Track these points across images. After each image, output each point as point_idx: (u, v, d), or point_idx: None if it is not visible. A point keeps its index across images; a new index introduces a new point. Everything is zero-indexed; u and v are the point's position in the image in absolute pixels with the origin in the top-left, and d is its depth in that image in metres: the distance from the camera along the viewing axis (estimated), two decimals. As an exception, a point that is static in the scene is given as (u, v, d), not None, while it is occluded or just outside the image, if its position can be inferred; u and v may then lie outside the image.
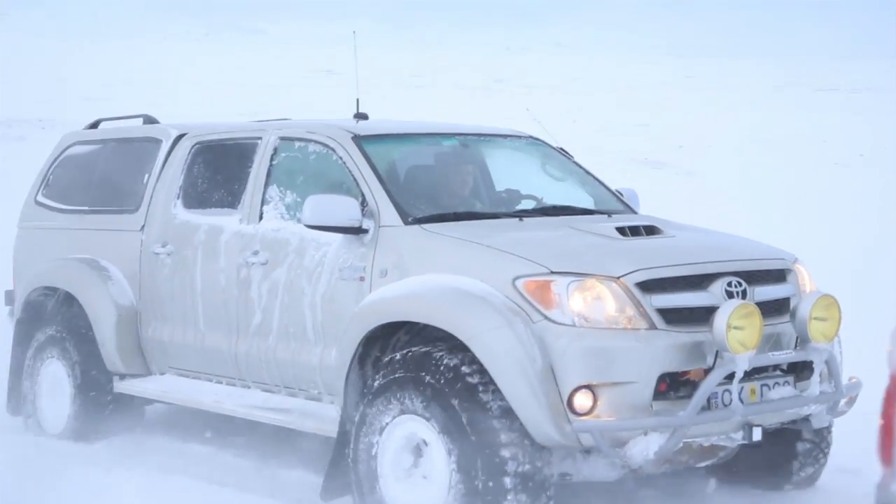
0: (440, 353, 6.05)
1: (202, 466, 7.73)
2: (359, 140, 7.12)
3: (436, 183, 7.30)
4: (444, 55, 39.35)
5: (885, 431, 2.19)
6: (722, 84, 34.01)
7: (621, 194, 7.70)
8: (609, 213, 7.20)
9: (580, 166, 7.85)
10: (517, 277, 5.95)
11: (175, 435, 8.47)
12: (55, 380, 8.57)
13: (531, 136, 8.00)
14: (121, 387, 8.22)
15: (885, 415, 2.21)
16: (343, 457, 6.44)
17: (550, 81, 34.29)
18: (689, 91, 33.14)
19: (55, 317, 8.65)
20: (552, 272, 5.90)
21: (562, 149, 7.93)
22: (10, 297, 9.30)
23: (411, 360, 6.13)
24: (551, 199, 7.41)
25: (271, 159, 7.48)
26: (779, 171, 22.67)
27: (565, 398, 5.73)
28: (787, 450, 6.76)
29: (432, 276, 6.24)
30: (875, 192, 20.21)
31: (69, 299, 8.59)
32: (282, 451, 7.86)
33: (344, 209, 6.63)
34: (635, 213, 7.51)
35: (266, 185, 7.43)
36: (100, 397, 8.32)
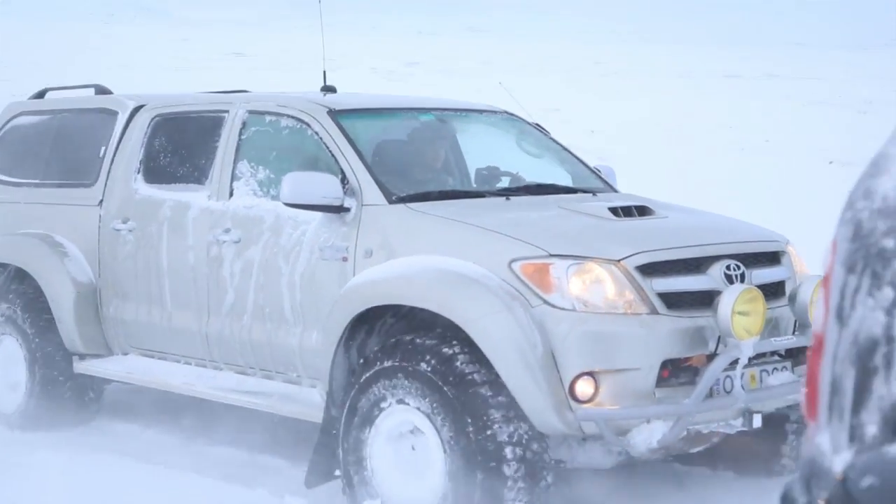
0: (434, 339, 5.59)
1: (128, 443, 7.34)
2: (335, 114, 6.64)
3: (416, 160, 6.84)
4: (356, 39, 38.65)
5: (810, 387, 2.18)
6: (631, 70, 33.82)
7: (599, 171, 7.30)
8: (593, 192, 6.80)
9: (557, 142, 7.44)
10: (514, 260, 5.54)
11: (100, 412, 8.00)
12: (9, 358, 7.96)
13: (506, 112, 7.58)
14: (81, 367, 7.63)
15: (809, 371, 2.19)
16: (328, 443, 5.98)
17: (463, 65, 33.83)
18: (599, 76, 32.87)
19: (7, 293, 8.03)
20: (551, 255, 5.50)
21: (538, 124, 7.52)
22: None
23: (405, 347, 5.66)
24: (530, 177, 7.00)
25: (240, 133, 6.97)
26: (688, 156, 22.50)
27: (567, 385, 5.34)
28: (774, 436, 6.44)
29: (424, 258, 5.79)
30: (780, 176, 20.14)
31: (21, 275, 7.99)
32: (208, 427, 7.43)
33: (325, 187, 6.15)
34: (616, 191, 7.13)
35: (235, 160, 6.93)
36: (58, 377, 7.74)
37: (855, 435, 1.97)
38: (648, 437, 5.38)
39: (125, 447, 7.23)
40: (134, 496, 6.35)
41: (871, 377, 1.95)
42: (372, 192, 6.19)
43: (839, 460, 1.97)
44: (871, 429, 1.93)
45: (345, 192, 6.19)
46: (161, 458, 6.96)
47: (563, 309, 5.39)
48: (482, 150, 7.34)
